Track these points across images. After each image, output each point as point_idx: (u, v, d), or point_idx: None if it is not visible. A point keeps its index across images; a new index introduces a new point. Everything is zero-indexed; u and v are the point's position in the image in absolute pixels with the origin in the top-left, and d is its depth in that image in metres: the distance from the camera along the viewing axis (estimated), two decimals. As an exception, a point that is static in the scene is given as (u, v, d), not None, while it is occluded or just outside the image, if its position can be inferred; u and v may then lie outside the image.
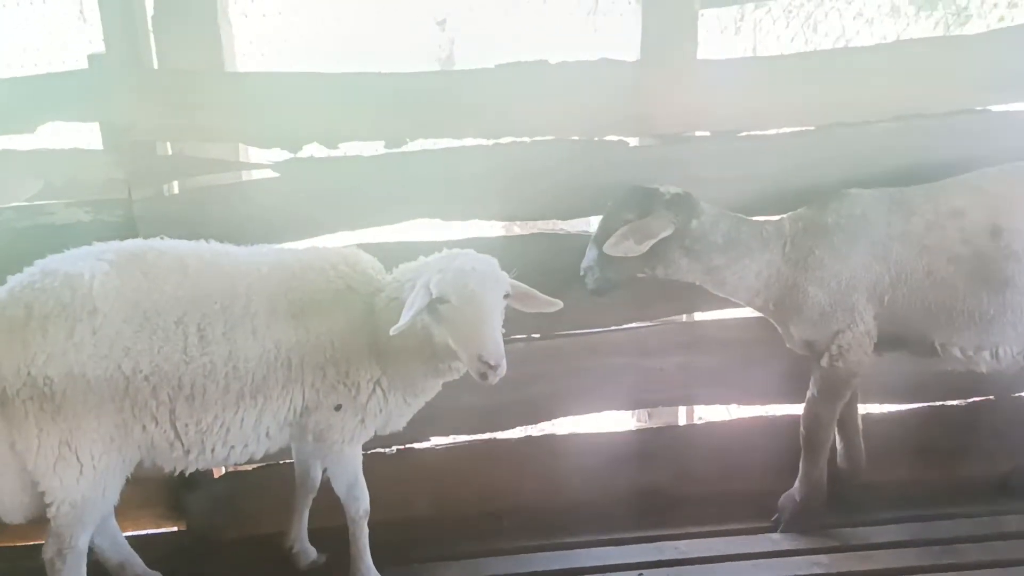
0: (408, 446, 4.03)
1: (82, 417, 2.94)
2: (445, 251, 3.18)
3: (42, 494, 3.05)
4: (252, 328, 3.08)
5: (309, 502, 3.68)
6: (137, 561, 3.56)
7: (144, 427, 3.01)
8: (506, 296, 3.06)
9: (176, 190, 3.81)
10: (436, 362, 3.17)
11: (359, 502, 3.38)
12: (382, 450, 3.97)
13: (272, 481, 3.96)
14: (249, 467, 3.99)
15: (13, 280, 3.01)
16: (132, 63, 3.57)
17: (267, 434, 3.19)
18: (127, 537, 3.61)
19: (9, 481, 3.04)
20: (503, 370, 2.92)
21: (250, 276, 3.15)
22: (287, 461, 3.77)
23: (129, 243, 3.16)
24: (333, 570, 3.66)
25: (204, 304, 3.05)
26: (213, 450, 3.12)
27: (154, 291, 3.02)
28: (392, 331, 2.94)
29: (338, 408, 3.22)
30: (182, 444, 3.07)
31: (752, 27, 7.03)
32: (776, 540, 3.79)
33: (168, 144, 3.74)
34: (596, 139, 3.78)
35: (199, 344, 3.02)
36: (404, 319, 2.94)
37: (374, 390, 3.23)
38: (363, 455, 3.41)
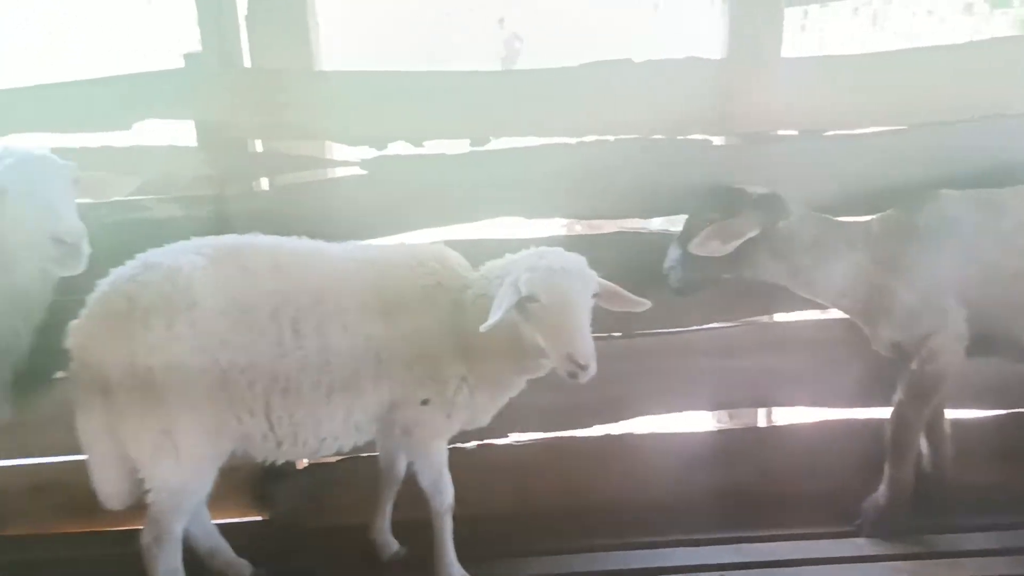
0: (487, 442, 4.05)
1: (181, 407, 3.02)
2: (533, 249, 3.20)
3: (141, 481, 3.15)
4: (343, 323, 3.14)
5: (393, 495, 3.73)
6: (227, 548, 3.65)
7: (239, 419, 3.08)
8: (595, 295, 3.07)
9: (265, 187, 3.89)
10: (523, 359, 3.19)
11: (444, 496, 3.41)
12: (462, 445, 4.00)
13: (354, 473, 4.03)
14: (332, 459, 4.06)
15: (116, 273, 3.11)
16: (226, 62, 3.66)
17: (356, 427, 3.24)
18: (214, 525, 3.70)
19: (111, 468, 3.15)
20: (593, 370, 2.93)
21: (341, 272, 3.21)
22: (369, 454, 3.84)
23: (226, 238, 3.24)
24: (414, 563, 3.71)
25: (297, 299, 3.11)
26: (305, 442, 3.18)
27: (250, 286, 3.09)
28: (482, 328, 2.97)
29: (425, 403, 3.26)
30: (275, 436, 3.14)
31: (818, 25, 6.96)
32: (860, 544, 3.74)
33: (258, 141, 3.81)
34: (679, 138, 3.77)
35: (293, 338, 3.08)
36: (493, 317, 2.96)
37: (461, 386, 3.26)
38: (445, 449, 3.45)
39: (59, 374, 3.82)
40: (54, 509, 4.09)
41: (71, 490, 4.09)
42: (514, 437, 4.10)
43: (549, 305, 2.97)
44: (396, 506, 3.77)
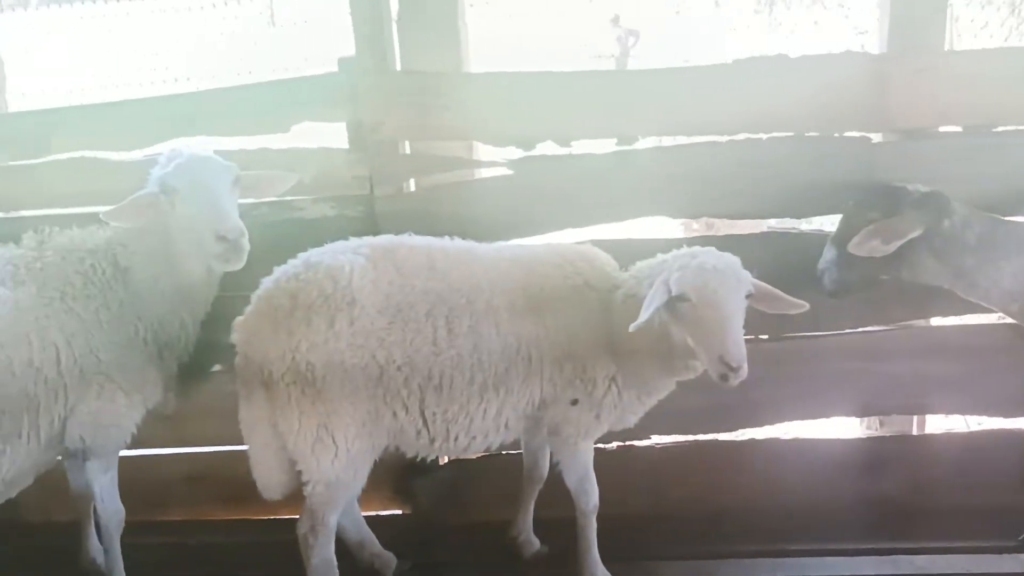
0: (628, 443, 4.02)
1: (339, 403, 3.10)
2: (685, 248, 3.15)
3: (299, 473, 3.25)
4: (495, 322, 3.17)
5: (535, 493, 3.74)
6: (374, 540, 3.74)
7: (395, 414, 3.15)
8: (748, 296, 3.00)
9: (412, 187, 3.96)
10: (672, 361, 3.15)
11: (589, 496, 3.41)
12: (603, 446, 3.98)
13: (494, 470, 4.07)
14: (473, 456, 4.10)
15: (279, 271, 3.22)
16: (378, 66, 3.73)
17: (506, 425, 3.27)
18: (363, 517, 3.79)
19: (270, 460, 3.27)
20: (744, 373, 2.87)
21: (492, 272, 3.24)
22: (508, 452, 3.87)
23: (382, 239, 3.31)
24: (555, 561, 3.73)
25: (451, 298, 3.16)
26: (456, 439, 3.22)
27: (406, 285, 3.15)
28: (631, 328, 2.94)
29: (574, 403, 3.26)
30: (428, 432, 3.19)
31: (950, 17, 6.62)
32: (1024, 561, 3.56)
33: (407, 143, 3.88)
34: (835, 135, 3.65)
35: (447, 337, 3.12)
36: (642, 316, 2.93)
37: (609, 386, 3.24)
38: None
39: (216, 367, 4.02)
40: (210, 497, 4.28)
41: (226, 479, 4.29)
42: (656, 439, 4.06)
43: (700, 305, 2.92)
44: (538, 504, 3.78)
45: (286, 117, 3.80)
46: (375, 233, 3.74)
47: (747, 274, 3.02)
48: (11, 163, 3.98)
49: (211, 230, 3.10)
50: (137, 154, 3.95)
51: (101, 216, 3.26)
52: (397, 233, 3.43)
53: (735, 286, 2.96)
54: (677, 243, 3.27)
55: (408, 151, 3.92)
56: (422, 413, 3.16)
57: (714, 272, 2.95)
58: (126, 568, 3.61)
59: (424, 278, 3.17)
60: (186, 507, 4.32)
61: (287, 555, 3.41)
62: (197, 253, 3.23)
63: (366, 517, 4.02)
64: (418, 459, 3.38)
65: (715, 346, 2.88)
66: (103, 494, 3.58)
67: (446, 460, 4.18)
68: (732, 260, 3.03)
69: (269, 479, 3.31)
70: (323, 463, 3.16)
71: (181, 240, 3.25)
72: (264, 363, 3.12)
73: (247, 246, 3.11)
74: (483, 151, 4.01)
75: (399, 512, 4.24)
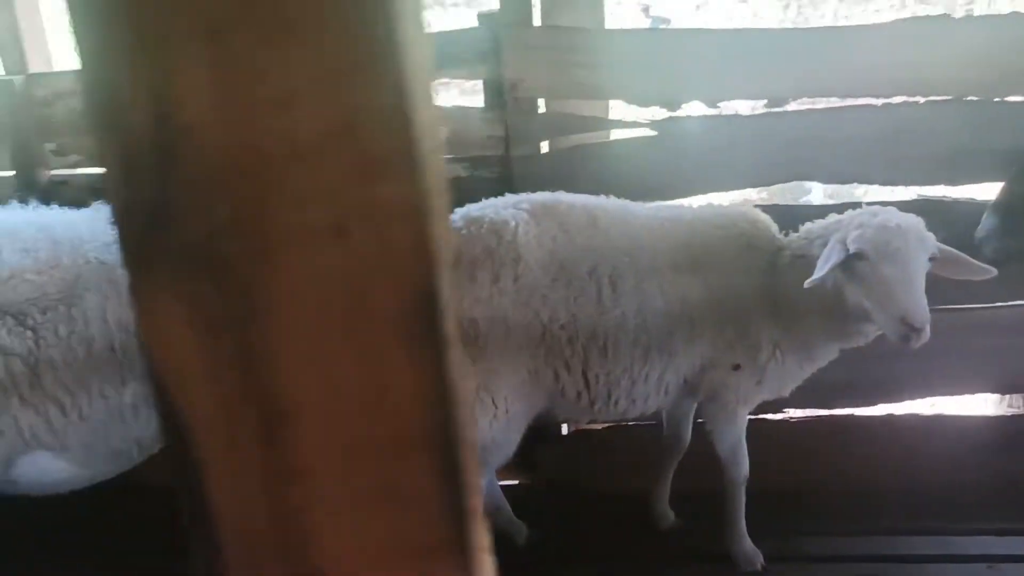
0: (761, 416, 3.92)
1: (500, 362, 3.02)
2: (865, 207, 3.04)
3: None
4: (659, 283, 3.07)
5: (675, 463, 3.66)
6: (508, 508, 3.66)
7: (556, 375, 3.05)
8: (932, 259, 2.89)
9: (545, 148, 3.85)
10: (842, 324, 3.05)
11: (740, 466, 3.32)
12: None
13: (619, 441, 3.99)
14: (598, 426, 4.02)
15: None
16: (521, 20, 3.63)
17: (666, 390, 3.17)
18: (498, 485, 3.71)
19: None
20: (927, 334, 2.76)
21: (654, 231, 3.14)
22: (633, 423, 3.78)
23: (540, 195, 3.21)
24: (690, 535, 3.65)
25: (614, 257, 3.06)
26: (617, 402, 3.13)
27: (568, 242, 3.06)
28: (806, 284, 2.84)
29: (737, 368, 3.16)
30: (588, 395, 3.10)
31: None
32: None
33: (542, 102, 3.78)
34: (996, 100, 3.52)
35: (612, 296, 3.03)
36: (817, 273, 2.82)
37: (774, 352, 3.15)
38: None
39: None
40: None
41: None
42: (790, 412, 3.95)
43: (881, 263, 2.80)
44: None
45: (423, 73, 3.69)
46: (509, 194, 3.66)
47: (931, 235, 2.91)
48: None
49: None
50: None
51: None
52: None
53: (918, 245, 2.85)
54: (825, 211, 3.16)
55: (542, 110, 3.80)
56: (584, 375, 3.07)
57: (897, 230, 2.84)
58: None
59: (587, 235, 3.08)
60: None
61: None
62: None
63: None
64: (573, 423, 3.27)
65: (897, 306, 2.77)
66: None
67: (570, 429, 4.10)
68: (915, 219, 2.92)
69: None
70: (480, 425, 3.06)
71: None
72: (424, 320, 3.03)
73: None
74: (619, 111, 3.90)
75: (521, 481, 4.15)
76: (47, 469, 2.94)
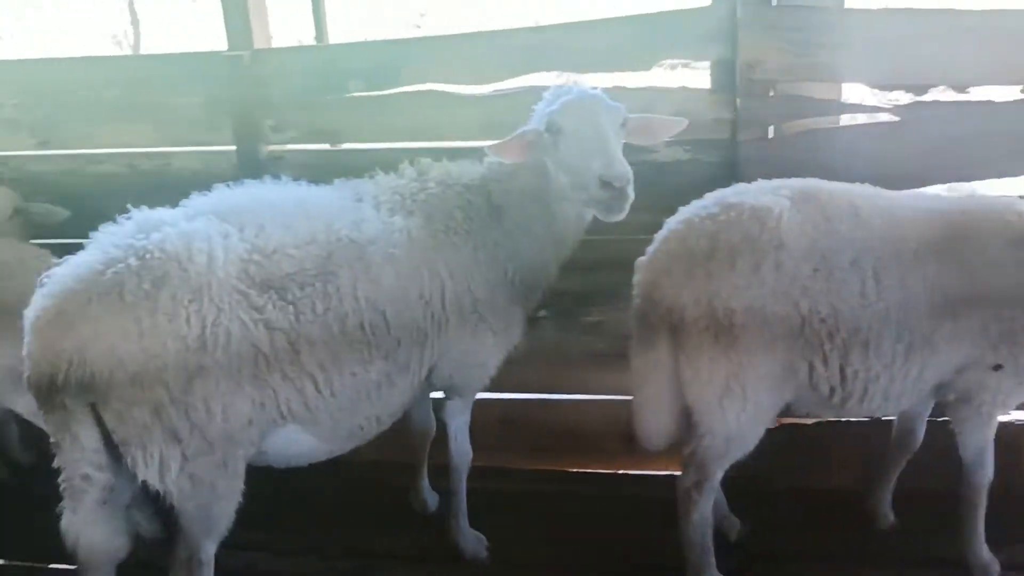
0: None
1: (754, 353, 2.91)
2: None
3: (689, 425, 3.09)
4: (923, 276, 2.92)
5: (903, 463, 3.51)
6: (724, 502, 3.58)
7: (812, 369, 2.94)
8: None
9: (771, 133, 3.72)
10: None
11: (987, 469, 3.16)
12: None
13: (830, 436, 3.85)
14: (806, 420, 3.89)
15: (688, 211, 3.04)
16: (758, 0, 3.49)
17: (921, 389, 3.03)
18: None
19: (663, 407, 3.10)
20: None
21: (917, 222, 2.98)
22: (842, 420, 3.66)
23: (798, 181, 3.08)
24: (910, 537, 3.51)
25: (878, 248, 2.92)
26: (871, 399, 3.00)
27: (831, 231, 2.92)
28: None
29: (997, 368, 2.99)
30: (843, 391, 2.97)
31: None
32: None
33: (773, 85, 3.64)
34: None
35: (875, 288, 2.89)
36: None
37: (1039, 353, 2.97)
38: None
39: (542, 313, 3.90)
40: (519, 444, 4.17)
41: (536, 427, 4.22)
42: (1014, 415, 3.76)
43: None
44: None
45: (649, 53, 3.61)
46: (732, 180, 3.55)
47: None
48: (361, 94, 3.89)
49: (596, 175, 2.90)
50: (485, 88, 3.82)
51: (486, 149, 3.13)
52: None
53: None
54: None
55: (772, 93, 3.66)
56: (842, 370, 2.94)
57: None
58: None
59: (850, 225, 2.94)
60: (493, 454, 4.22)
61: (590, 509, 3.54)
62: (576, 198, 3.07)
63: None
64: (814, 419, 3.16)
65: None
66: (457, 433, 3.51)
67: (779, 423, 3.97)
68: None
69: (656, 428, 3.15)
70: (729, 415, 2.98)
71: (561, 183, 3.10)
72: (674, 307, 2.95)
73: (632, 195, 2.90)
74: (851, 94, 3.73)
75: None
76: (294, 442, 2.97)
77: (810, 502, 3.79)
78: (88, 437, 2.62)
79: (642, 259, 3.10)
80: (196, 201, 2.95)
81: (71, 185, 4.23)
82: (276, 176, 3.22)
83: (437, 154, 3.45)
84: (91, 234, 2.78)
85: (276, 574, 3.58)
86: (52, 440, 2.66)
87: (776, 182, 3.07)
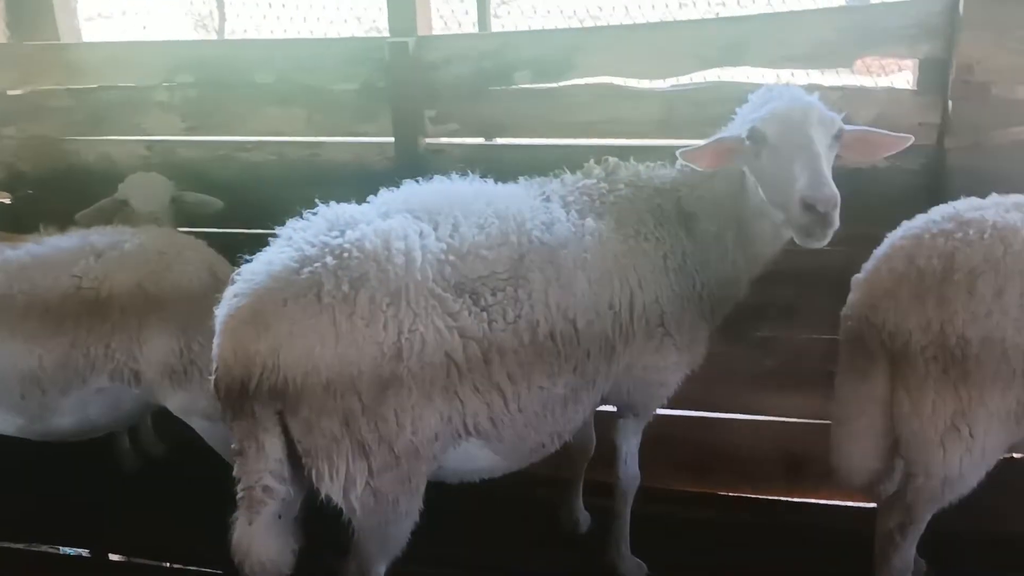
0: None
1: (987, 389, 2.61)
2: None
3: (896, 460, 2.82)
4: None
5: None
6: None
7: None
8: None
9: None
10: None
11: None
12: None
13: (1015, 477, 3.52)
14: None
15: (916, 226, 2.77)
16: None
17: None
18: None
19: (868, 443, 2.83)
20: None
21: None
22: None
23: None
24: None
25: None
26: None
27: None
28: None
29: None
30: None
31: None
32: None
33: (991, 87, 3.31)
34: None
35: None
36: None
37: None
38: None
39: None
40: (672, 463, 3.92)
41: (691, 446, 3.96)
42: None
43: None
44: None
45: (851, 49, 3.31)
46: (936, 191, 3.25)
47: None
48: (532, 85, 3.67)
49: (799, 195, 2.54)
50: (665, 83, 3.57)
51: (677, 153, 2.85)
52: (971, 192, 2.88)
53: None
54: None
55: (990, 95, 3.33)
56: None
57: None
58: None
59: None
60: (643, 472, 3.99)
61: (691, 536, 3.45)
62: (774, 216, 2.75)
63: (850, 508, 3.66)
64: None
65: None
66: (628, 455, 3.29)
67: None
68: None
69: (859, 464, 2.89)
70: (950, 456, 2.68)
71: (759, 197, 2.80)
72: (897, 332, 2.67)
73: (837, 223, 2.54)
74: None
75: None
76: (473, 458, 2.76)
77: (994, 548, 3.46)
78: (274, 447, 2.45)
79: (859, 276, 2.83)
80: (386, 196, 2.77)
81: (218, 173, 4.10)
82: (439, 172, 3.00)
83: (609, 152, 3.21)
84: (278, 229, 2.61)
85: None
86: (234, 447, 2.49)
87: (1016, 197, 2.76)
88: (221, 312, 2.45)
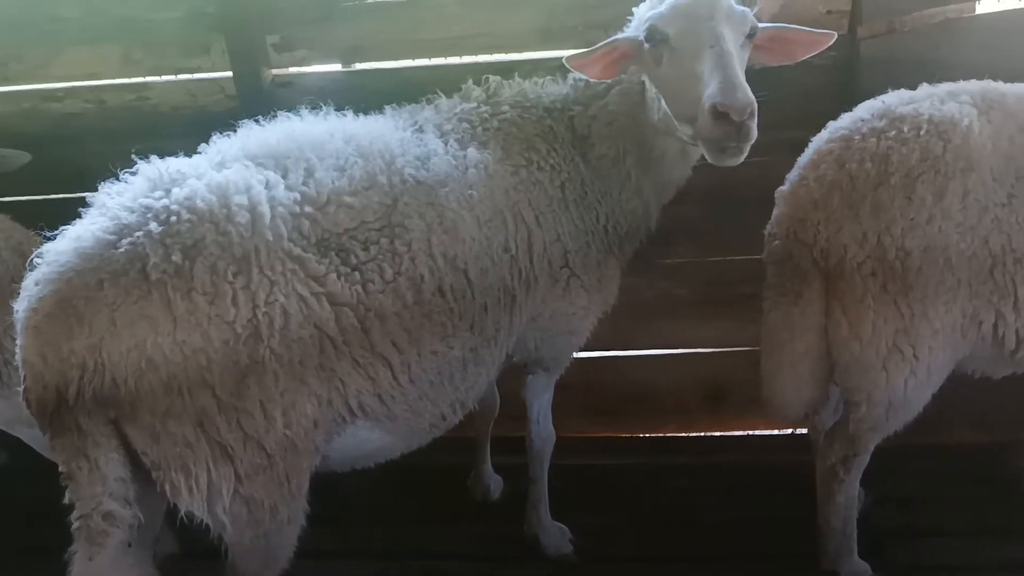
0: None
1: (931, 303, 2.36)
2: None
3: (827, 391, 2.61)
4: None
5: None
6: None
7: (999, 320, 2.38)
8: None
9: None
10: None
11: None
12: None
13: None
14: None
15: (842, 126, 2.50)
16: None
17: None
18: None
19: (803, 372, 2.56)
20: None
21: None
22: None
23: (975, 84, 2.49)
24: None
25: None
26: None
27: (1027, 147, 2.35)
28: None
29: None
30: None
31: None
32: None
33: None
34: None
35: None
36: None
37: None
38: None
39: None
40: (583, 410, 3.60)
41: (603, 389, 3.66)
42: None
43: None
44: None
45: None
46: (849, 86, 2.97)
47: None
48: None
49: (710, 104, 2.16)
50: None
51: (564, 60, 2.44)
52: (888, 84, 2.61)
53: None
54: None
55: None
56: (1034, 316, 2.40)
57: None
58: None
59: (1050, 137, 2.37)
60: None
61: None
62: (681, 131, 2.38)
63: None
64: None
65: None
66: (540, 414, 2.95)
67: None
68: None
69: (794, 396, 2.61)
70: (894, 380, 2.43)
71: (662, 111, 2.43)
72: (830, 248, 2.38)
73: (755, 134, 2.18)
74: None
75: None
76: (364, 441, 2.34)
77: (934, 459, 3.29)
78: (111, 464, 1.96)
79: (783, 189, 2.53)
80: (220, 144, 2.26)
81: (25, 128, 3.46)
82: (290, 108, 2.51)
83: (487, 71, 2.79)
84: (88, 197, 2.08)
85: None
86: (61, 471, 1.99)
87: (949, 86, 2.48)
88: (21, 306, 1.93)
